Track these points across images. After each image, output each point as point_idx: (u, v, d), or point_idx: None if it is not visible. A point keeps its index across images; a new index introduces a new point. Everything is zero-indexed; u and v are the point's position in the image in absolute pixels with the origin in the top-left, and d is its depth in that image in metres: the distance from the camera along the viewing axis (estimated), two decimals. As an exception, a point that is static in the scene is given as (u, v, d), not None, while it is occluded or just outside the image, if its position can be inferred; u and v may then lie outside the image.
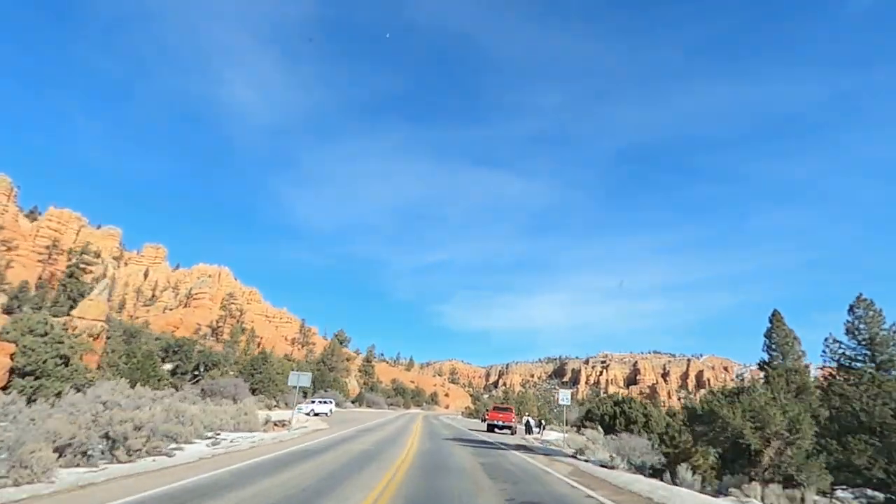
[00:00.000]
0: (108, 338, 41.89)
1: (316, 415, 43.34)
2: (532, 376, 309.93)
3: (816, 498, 11.65)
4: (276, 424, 22.86)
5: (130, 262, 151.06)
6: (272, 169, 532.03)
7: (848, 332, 24.74)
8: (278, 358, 71.62)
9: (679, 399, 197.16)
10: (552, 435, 37.59)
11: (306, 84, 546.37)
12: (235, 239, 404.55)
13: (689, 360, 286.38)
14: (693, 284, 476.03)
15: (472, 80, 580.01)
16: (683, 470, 12.28)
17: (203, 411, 21.27)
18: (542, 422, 43.19)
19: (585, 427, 43.35)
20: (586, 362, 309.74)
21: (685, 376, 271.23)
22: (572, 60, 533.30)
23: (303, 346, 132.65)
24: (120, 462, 11.56)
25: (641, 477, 12.21)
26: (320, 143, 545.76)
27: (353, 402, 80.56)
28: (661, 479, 14.24)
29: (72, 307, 45.45)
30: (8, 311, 43.97)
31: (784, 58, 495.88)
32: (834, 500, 13.66)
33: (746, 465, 13.61)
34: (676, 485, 11.73)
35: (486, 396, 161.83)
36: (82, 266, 52.43)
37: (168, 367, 56.83)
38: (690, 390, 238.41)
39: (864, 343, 24.12)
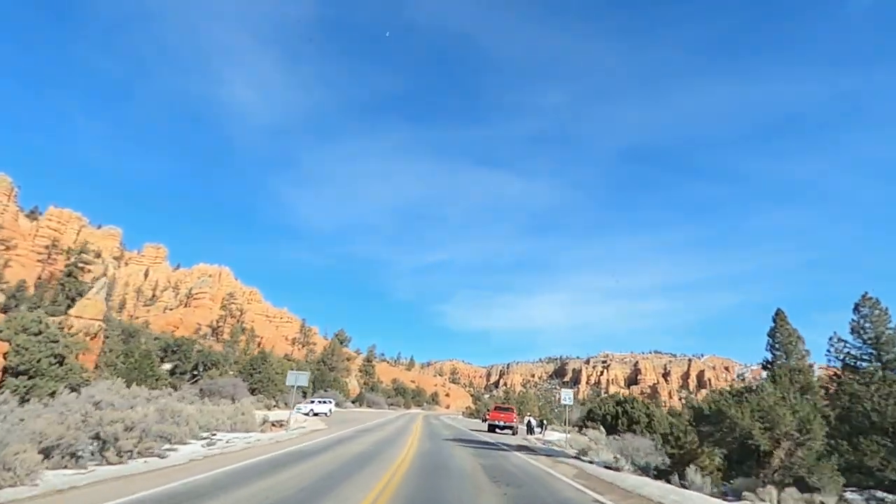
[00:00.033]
0: (105, 337, 41.56)
1: (315, 415, 42.95)
2: (533, 376, 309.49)
3: (829, 500, 11.28)
4: (273, 425, 22.51)
5: (131, 262, 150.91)
6: (272, 169, 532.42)
7: (853, 331, 24.36)
8: (278, 358, 71.33)
9: (680, 399, 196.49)
10: (554, 435, 37.21)
11: (306, 84, 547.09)
12: (236, 239, 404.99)
13: (690, 360, 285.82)
14: (693, 284, 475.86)
15: (472, 80, 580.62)
16: (692, 472, 11.89)
17: (199, 411, 20.93)
18: (544, 422, 42.79)
19: (587, 427, 43.00)
20: (587, 362, 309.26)
21: (686, 376, 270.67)
22: (572, 60, 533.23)
23: (303, 346, 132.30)
24: (110, 464, 11.22)
25: (649, 480, 11.76)
26: (320, 143, 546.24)
27: (353, 402, 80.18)
28: (668, 482, 13.87)
29: (70, 306, 45.12)
30: (5, 310, 43.67)
31: (784, 57, 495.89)
32: (844, 503, 13.30)
33: (755, 467, 13.26)
34: (685, 487, 11.36)
35: (486, 396, 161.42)
36: (81, 265, 52.13)
37: (167, 366, 56.53)
38: (692, 390, 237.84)
39: (869, 342, 23.75)
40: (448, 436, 28.59)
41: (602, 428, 36.91)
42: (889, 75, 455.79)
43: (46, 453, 10.35)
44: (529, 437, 34.98)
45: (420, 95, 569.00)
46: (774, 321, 30.30)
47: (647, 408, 38.54)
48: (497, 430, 37.47)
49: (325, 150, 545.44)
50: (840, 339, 24.91)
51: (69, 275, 50.71)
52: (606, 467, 14.90)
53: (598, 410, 45.29)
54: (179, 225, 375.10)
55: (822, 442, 12.40)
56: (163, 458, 12.88)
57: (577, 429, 39.33)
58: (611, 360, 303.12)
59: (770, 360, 29.91)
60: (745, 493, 10.61)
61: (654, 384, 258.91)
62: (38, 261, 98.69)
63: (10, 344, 20.84)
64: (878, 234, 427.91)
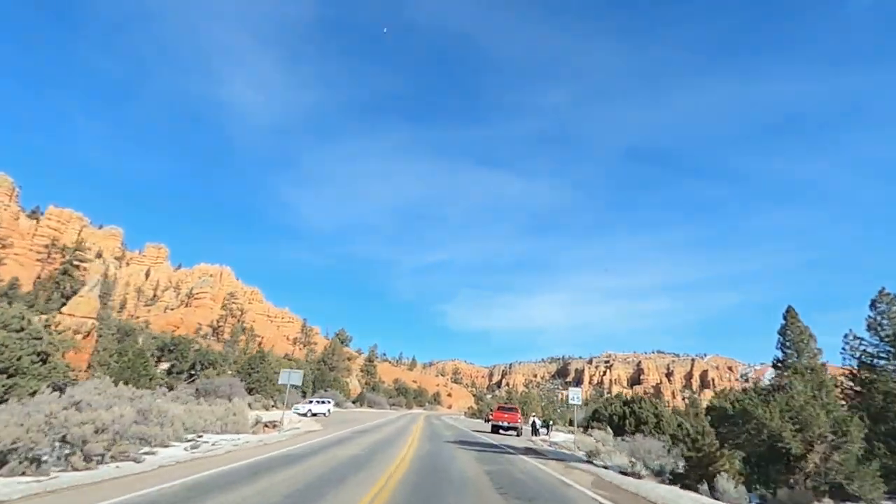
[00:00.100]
0: (99, 336, 40.61)
1: (314, 415, 41.93)
2: (535, 376, 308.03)
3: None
4: (266, 426, 21.46)
5: (132, 262, 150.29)
6: (273, 169, 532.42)
7: (869, 327, 23.29)
8: (277, 357, 70.36)
9: (684, 399, 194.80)
10: (560, 436, 36.08)
11: (306, 84, 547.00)
12: (236, 239, 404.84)
13: (693, 360, 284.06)
14: (694, 284, 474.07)
15: (472, 80, 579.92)
16: (724, 480, 10.71)
17: (188, 412, 19.94)
18: (550, 423, 41.64)
19: (592, 428, 41.88)
20: (590, 362, 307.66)
21: (689, 376, 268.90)
22: (572, 60, 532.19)
23: (304, 346, 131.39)
24: (76, 469, 10.17)
25: (681, 491, 10.49)
26: (320, 143, 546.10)
27: (353, 403, 79.13)
28: (693, 489, 12.75)
29: (64, 304, 44.23)
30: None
31: (785, 57, 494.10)
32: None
33: (784, 472, 12.12)
34: (717, 498, 10.22)
35: (489, 396, 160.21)
36: (76, 263, 51.21)
37: (164, 366, 55.65)
38: (695, 390, 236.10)
39: (886, 340, 22.66)
40: (449, 437, 27.48)
41: (609, 429, 35.79)
42: (889, 75, 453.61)
43: (1, 459, 9.34)
44: (534, 438, 33.86)
45: (420, 95, 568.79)
46: (785, 318, 29.19)
47: (656, 408, 37.38)
48: (501, 430, 36.35)
49: (326, 150, 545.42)
50: (856, 337, 23.88)
51: (64, 273, 49.82)
52: (622, 472, 13.65)
53: (604, 411, 44.15)
54: (180, 225, 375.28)
55: (859, 445, 11.27)
56: (139, 462, 11.85)
57: (581, 429, 38.20)
58: (613, 360, 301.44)
59: (781, 358, 28.88)
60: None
61: (658, 384, 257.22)
62: (38, 260, 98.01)
63: (-10, 341, 19.82)
64: (878, 234, 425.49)
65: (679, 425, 33.97)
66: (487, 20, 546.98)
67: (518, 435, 35.39)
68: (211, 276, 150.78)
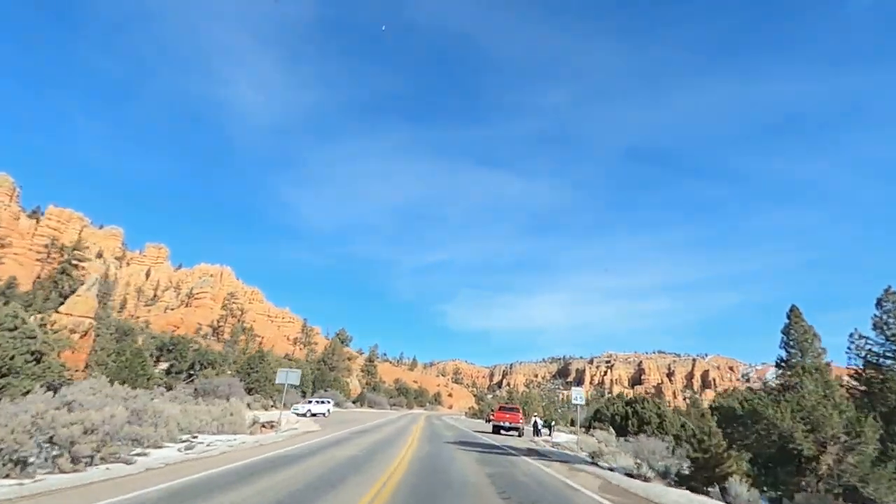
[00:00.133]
0: (97, 335, 40.30)
1: (313, 415, 41.58)
2: (536, 376, 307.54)
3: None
4: (263, 426, 21.12)
5: (133, 262, 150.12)
6: (273, 169, 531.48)
7: (875, 326, 22.94)
8: (277, 357, 70.06)
9: (685, 399, 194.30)
10: (562, 437, 35.70)
11: (306, 84, 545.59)
12: (237, 239, 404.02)
13: (694, 360, 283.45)
14: (694, 284, 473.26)
15: (472, 80, 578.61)
16: (736, 483, 10.32)
17: (184, 412, 19.60)
18: (552, 423, 41.25)
19: (594, 428, 41.53)
20: (590, 362, 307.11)
21: (690, 376, 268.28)
22: (572, 60, 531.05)
23: (305, 346, 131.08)
24: (62, 471, 9.83)
25: (693, 496, 10.01)
26: (321, 143, 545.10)
27: (354, 403, 78.79)
28: (693, 490, 12.38)
29: (62, 303, 43.94)
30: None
31: (785, 57, 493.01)
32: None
33: (795, 474, 11.74)
34: (727, 502, 9.85)
35: (489, 397, 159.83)
36: (75, 262, 50.90)
37: (164, 366, 55.36)
38: (696, 390, 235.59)
39: (893, 339, 22.32)
40: (450, 438, 27.10)
41: (611, 429, 35.43)
42: (889, 75, 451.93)
43: (-17, 461, 9.00)
44: (536, 438, 33.47)
45: (420, 95, 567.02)
46: (789, 317, 28.87)
47: (659, 408, 37.02)
48: (502, 431, 35.96)
49: (326, 150, 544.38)
50: (861, 336, 23.55)
51: (62, 272, 49.51)
52: (628, 475, 13.22)
53: (606, 411, 43.78)
54: (180, 225, 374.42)
55: (874, 446, 10.88)
56: (130, 464, 11.49)
57: (583, 429, 37.82)
58: (614, 360, 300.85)
59: (785, 357, 28.61)
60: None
61: (659, 384, 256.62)
62: (38, 260, 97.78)
63: (-17, 340, 19.52)
64: (878, 234, 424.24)
65: (682, 425, 33.64)
66: (487, 20, 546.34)
67: (520, 435, 35.01)
68: (211, 276, 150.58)
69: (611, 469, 14.73)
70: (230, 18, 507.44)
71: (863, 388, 21.18)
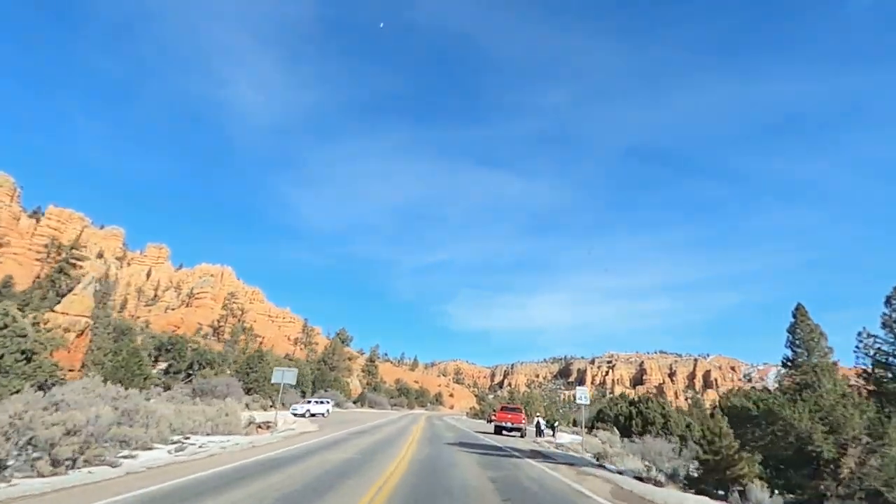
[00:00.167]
0: (94, 335, 39.82)
1: (312, 415, 41.06)
2: (537, 376, 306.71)
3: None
4: (259, 427, 20.59)
5: (133, 262, 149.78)
6: (273, 169, 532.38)
7: (884, 325, 22.43)
8: (276, 357, 69.59)
9: (686, 399, 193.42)
10: (565, 437, 35.13)
11: (306, 84, 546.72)
12: (237, 239, 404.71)
13: (695, 360, 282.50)
14: (695, 284, 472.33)
15: (472, 80, 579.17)
16: (757, 488, 9.76)
17: (177, 412, 19.07)
18: (555, 423, 40.65)
19: (596, 428, 40.94)
20: (592, 362, 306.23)
21: (692, 376, 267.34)
22: (572, 60, 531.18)
23: (305, 346, 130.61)
24: (41, 475, 9.30)
25: (714, 502, 9.49)
26: (321, 143, 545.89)
27: (354, 403, 78.26)
28: (703, 493, 11.81)
29: (59, 303, 43.48)
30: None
31: (785, 57, 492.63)
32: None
33: (812, 477, 11.18)
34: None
35: (491, 397, 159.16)
36: (72, 261, 50.45)
37: (162, 366, 54.88)
38: (697, 390, 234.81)
39: (902, 337, 21.82)
40: (451, 439, 26.53)
41: (615, 429, 34.86)
42: (889, 75, 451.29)
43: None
44: (539, 439, 32.91)
45: (420, 95, 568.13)
46: (794, 316, 28.36)
47: (663, 408, 36.44)
48: (504, 432, 35.38)
49: (326, 150, 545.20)
50: (870, 335, 23.04)
51: (60, 271, 49.07)
52: (637, 478, 12.63)
53: (609, 411, 43.19)
54: (181, 225, 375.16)
55: (897, 448, 10.32)
56: (115, 466, 10.96)
57: (586, 430, 37.25)
58: (616, 360, 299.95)
59: (791, 357, 28.14)
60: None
61: (660, 384, 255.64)
62: (37, 259, 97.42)
63: (-29, 339, 19.05)
64: (878, 234, 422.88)
65: (688, 426, 33.05)
66: (487, 20, 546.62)
67: (522, 436, 34.43)
68: (212, 276, 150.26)
69: (619, 472, 14.14)
70: (230, 18, 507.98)
71: (871, 387, 20.64)
